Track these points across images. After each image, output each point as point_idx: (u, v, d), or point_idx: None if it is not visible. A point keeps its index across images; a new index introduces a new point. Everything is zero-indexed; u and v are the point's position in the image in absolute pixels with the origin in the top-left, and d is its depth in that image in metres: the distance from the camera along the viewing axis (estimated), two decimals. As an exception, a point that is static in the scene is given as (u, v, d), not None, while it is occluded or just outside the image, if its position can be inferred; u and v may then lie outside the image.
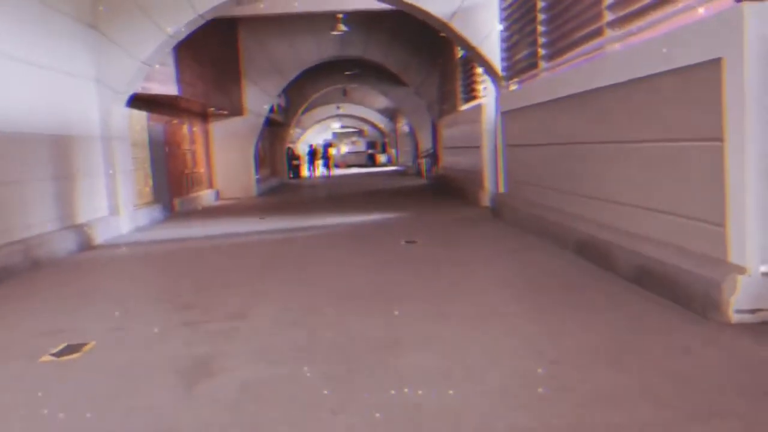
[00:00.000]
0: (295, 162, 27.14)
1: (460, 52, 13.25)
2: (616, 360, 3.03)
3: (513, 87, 9.11)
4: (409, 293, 4.65)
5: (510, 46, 8.89)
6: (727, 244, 3.68)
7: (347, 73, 21.16)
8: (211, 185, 16.03)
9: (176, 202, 12.77)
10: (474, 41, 9.58)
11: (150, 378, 3.14)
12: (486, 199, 10.61)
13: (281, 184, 22.52)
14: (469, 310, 4.10)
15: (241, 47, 16.27)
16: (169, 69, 10.66)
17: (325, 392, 2.81)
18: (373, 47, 16.96)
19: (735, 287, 3.51)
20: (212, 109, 14.27)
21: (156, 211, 11.26)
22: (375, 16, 15.95)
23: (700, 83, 3.91)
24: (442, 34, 13.67)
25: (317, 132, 43.16)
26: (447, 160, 15.02)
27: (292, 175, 26.48)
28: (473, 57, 10.28)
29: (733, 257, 3.65)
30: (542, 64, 7.50)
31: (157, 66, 10.16)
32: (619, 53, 5.10)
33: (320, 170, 31.32)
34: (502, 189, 9.53)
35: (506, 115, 9.17)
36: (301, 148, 35.42)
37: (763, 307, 3.52)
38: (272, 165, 22.50)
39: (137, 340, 3.83)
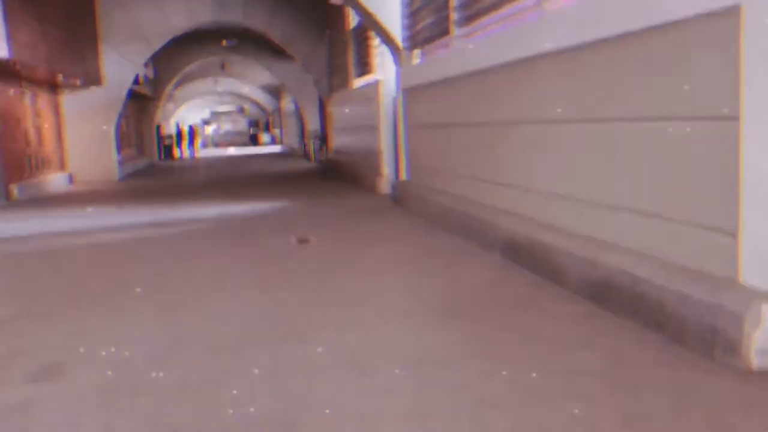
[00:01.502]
0: (166, 141, 24.73)
1: (352, 21, 11.99)
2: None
3: (415, 60, 8.01)
4: (305, 326, 3.39)
5: (413, 11, 7.75)
6: (739, 258, 2.74)
7: (225, 43, 19.23)
8: (62, 167, 13.77)
9: (13, 188, 10.61)
10: (370, 6, 8.34)
11: None
12: (385, 186, 9.50)
13: (150, 165, 20.28)
14: (391, 358, 2.91)
15: (98, 7, 14.01)
16: (-4, 24, 8.57)
17: None
18: (254, 14, 15.26)
19: (759, 320, 2.57)
20: (61, 77, 12.07)
21: (-16, 200, 9.17)
22: (256, -22, 14.33)
23: (702, 43, 2.92)
24: (330, 1, 12.36)
25: (193, 108, 40.27)
26: (338, 141, 13.77)
27: (163, 156, 24.12)
28: (369, 24, 9.06)
29: (745, 277, 2.71)
30: (455, 30, 6.41)
31: (-23, 19, 8.10)
32: (570, 10, 4.07)
33: (187, 151, 28.78)
34: (403, 175, 8.44)
35: (409, 92, 8.07)
36: (174, 126, 32.73)
37: (790, 345, 2.62)
38: (139, 144, 20.19)
39: None
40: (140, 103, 19.99)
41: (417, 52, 7.91)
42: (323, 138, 17.41)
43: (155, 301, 4.00)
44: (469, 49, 5.81)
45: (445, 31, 6.64)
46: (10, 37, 8.86)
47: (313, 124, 20.06)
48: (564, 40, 4.01)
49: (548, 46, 4.23)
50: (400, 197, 8.22)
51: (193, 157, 26.70)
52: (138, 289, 4.33)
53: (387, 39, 8.58)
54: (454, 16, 6.39)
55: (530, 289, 3.97)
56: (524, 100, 4.69)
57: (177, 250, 5.84)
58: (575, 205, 4.03)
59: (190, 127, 27.81)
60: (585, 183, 3.92)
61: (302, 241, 5.96)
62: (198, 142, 29.58)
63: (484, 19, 5.70)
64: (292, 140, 28.14)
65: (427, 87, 7.20)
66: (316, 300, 3.89)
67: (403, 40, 8.12)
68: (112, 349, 3.10)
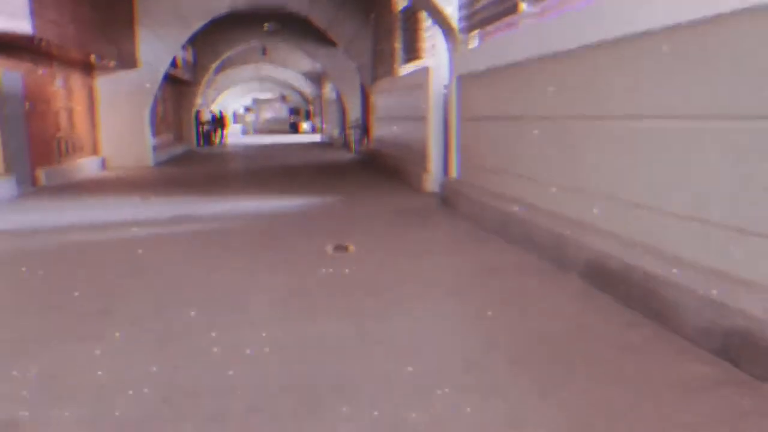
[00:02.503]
0: (205, 127, 24.20)
1: (400, 3, 11.11)
2: None
3: (472, 43, 7.11)
4: (336, 384, 2.58)
5: (473, -12, 6.84)
6: None
7: (266, 26, 18.53)
8: (95, 152, 13.28)
9: (40, 173, 10.09)
10: (424, -18, 7.46)
11: None
12: (430, 184, 8.64)
13: (187, 152, 19.77)
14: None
15: (134, -14, 13.44)
16: (19, -2, 7.96)
17: None
18: (296, -4, 14.50)
19: None
20: (94, 58, 11.51)
21: (6, 186, 8.64)
22: (299, -43, 13.54)
23: None
24: (380, -20, 11.50)
25: (235, 95, 39.91)
26: (381, 132, 12.94)
27: (202, 142, 23.63)
28: (420, 4, 8.17)
29: None
30: (524, 6, 5.50)
31: (-2, -9, 7.51)
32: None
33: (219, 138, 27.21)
34: (454, 173, 7.56)
35: (463, 80, 7.17)
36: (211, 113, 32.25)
37: None
38: (177, 130, 19.71)
39: None
40: (179, 87, 19.50)
41: (474, 34, 7.02)
42: (364, 128, 16.61)
43: (155, 329, 3.24)
44: (545, 27, 4.88)
45: (512, 8, 5.72)
46: (35, 13, 8.26)
47: (354, 113, 19.28)
48: (686, 12, 3.08)
49: (657, 21, 3.30)
50: (449, 198, 7.35)
51: (222, 144, 25.67)
52: (138, 309, 3.59)
53: (440, 19, 7.69)
54: (523, -10, 5.47)
55: (629, 332, 3.08)
56: (619, 90, 3.78)
57: (195, 254, 5.11)
58: (694, 226, 3.11)
59: (220, 113, 26.75)
60: (709, 197, 3.00)
61: (339, 248, 5.16)
62: (228, 128, 28.22)
63: (564, -7, 4.79)
64: (333, 129, 27.44)
65: (486, 74, 6.30)
66: (353, 337, 3.08)
67: (459, 20, 7.21)
68: (82, 407, 2.34)
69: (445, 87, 8.26)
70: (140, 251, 5.18)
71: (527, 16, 5.50)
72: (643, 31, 3.47)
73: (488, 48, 6.43)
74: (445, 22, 7.53)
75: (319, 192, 8.88)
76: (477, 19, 6.79)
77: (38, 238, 5.84)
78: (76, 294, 3.90)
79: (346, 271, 4.41)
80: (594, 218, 4.10)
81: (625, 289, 3.52)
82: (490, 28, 6.47)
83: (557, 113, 4.64)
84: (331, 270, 4.45)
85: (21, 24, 8.01)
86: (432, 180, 8.65)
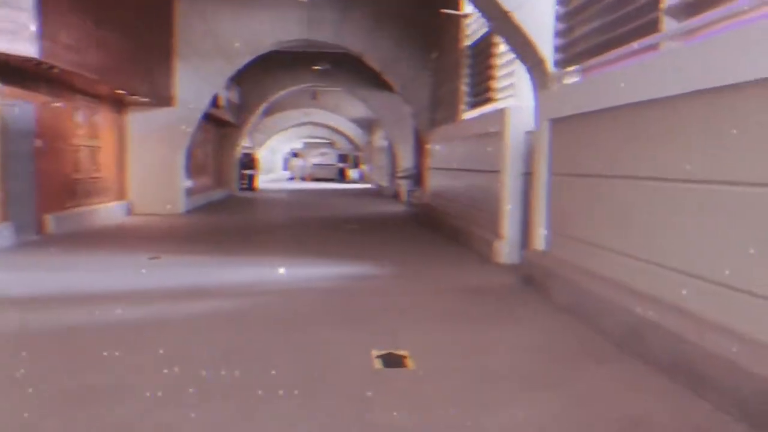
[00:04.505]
0: (247, 171, 22.98)
1: (467, 39, 9.64)
2: None
3: (569, 79, 5.51)
4: None
5: (575, 9, 5.28)
6: None
7: (316, 67, 17.39)
8: (122, 196, 12.06)
9: (48, 219, 8.81)
10: (507, 3, 5.92)
11: None
12: (504, 254, 6.93)
13: (227, 197, 18.54)
14: None
15: (176, 18, 12.40)
16: (24, 15, 6.77)
17: None
18: (349, 32, 13.21)
19: None
20: (120, 92, 10.36)
21: (2, 233, 7.34)
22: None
23: None
24: (443, 11, 10.11)
25: (285, 139, 39.20)
26: (437, 184, 11.33)
27: (245, 186, 22.45)
28: (502, 31, 6.63)
29: None
30: (667, 24, 3.87)
31: (-3, 6, 6.33)
32: None
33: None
34: (538, 243, 5.86)
35: (558, 125, 5.55)
36: (263, 155, 31.23)
37: None
38: (218, 174, 18.55)
39: None
40: (221, 128, 18.44)
41: (572, 67, 5.42)
42: (417, 178, 15.07)
43: None
44: (694, 52, 3.21)
45: (647, 28, 4.10)
46: (45, 34, 7.05)
47: (405, 161, 17.82)
48: None
49: None
50: (535, 277, 5.62)
51: (246, 189, 22.82)
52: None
53: (526, 51, 6.12)
54: (666, 2, 3.86)
55: None
56: None
57: (184, 354, 3.51)
58: None
59: (248, 155, 23.87)
60: None
61: (389, 357, 3.50)
62: (258, 173, 24.68)
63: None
64: (381, 177, 26.05)
65: (598, 116, 4.66)
66: None
67: (555, 50, 5.63)
68: None
69: (528, 133, 6.65)
70: (106, 350, 3.62)
71: (670, 38, 3.87)
72: None
73: (598, 83, 4.79)
74: (534, 54, 5.96)
75: (364, 257, 7.26)
76: (579, 48, 5.20)
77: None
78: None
79: (400, 408, 2.73)
80: None
81: None
82: (601, 58, 4.86)
83: (744, 176, 2.93)
84: (377, 411, 2.78)
85: (24, 46, 6.79)
86: (506, 249, 6.94)
